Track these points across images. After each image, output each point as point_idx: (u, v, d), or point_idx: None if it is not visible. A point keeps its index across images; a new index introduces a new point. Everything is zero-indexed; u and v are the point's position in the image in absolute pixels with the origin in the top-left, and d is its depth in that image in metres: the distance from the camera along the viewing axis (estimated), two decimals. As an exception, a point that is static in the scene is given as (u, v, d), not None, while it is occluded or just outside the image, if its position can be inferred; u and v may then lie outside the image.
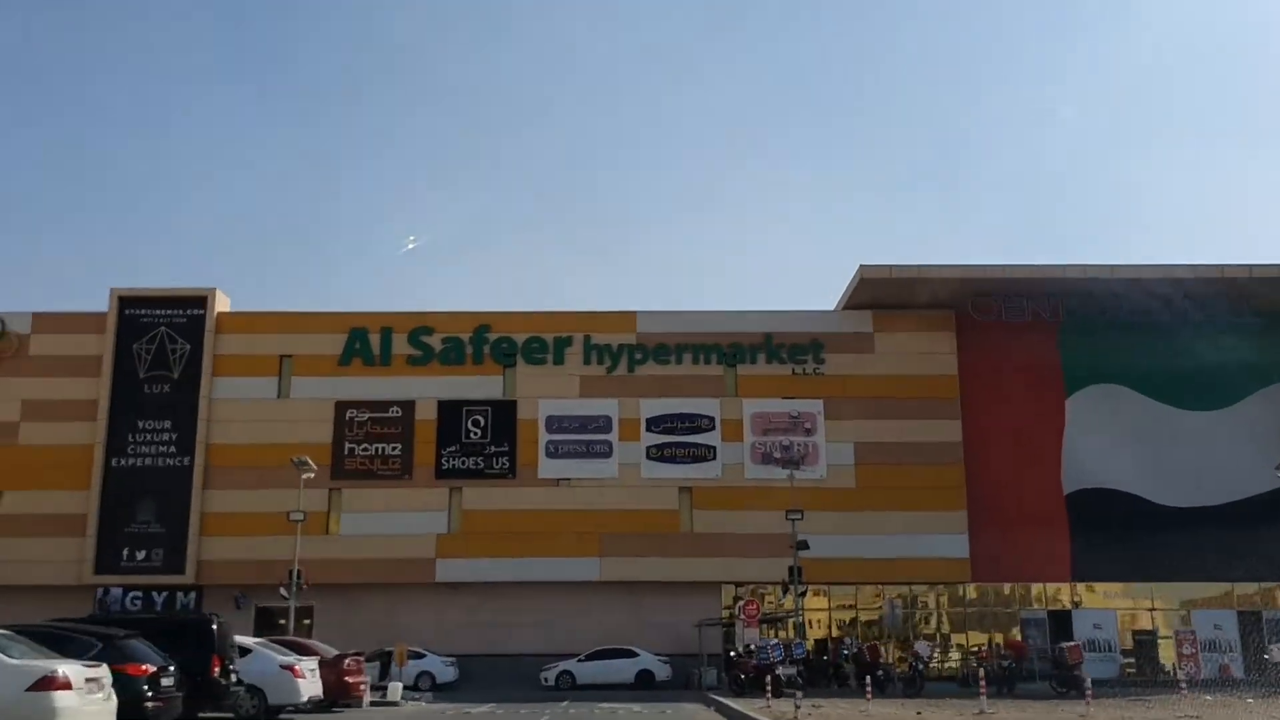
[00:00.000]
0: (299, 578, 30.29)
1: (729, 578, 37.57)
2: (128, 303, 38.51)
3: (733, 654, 32.01)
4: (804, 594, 30.34)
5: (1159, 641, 37.83)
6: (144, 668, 13.82)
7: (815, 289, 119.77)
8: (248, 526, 35.79)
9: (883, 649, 32.97)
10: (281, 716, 19.75)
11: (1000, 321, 39.16)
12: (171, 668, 14.49)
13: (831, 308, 40.39)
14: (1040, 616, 38.50)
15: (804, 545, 29.94)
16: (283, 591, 30.53)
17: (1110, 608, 38.73)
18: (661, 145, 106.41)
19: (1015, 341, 39.36)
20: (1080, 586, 38.83)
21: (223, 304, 39.24)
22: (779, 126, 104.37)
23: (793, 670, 26.74)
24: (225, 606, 35.99)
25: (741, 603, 32.05)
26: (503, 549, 36.83)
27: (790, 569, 30.84)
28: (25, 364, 37.93)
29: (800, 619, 30.25)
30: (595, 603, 37.14)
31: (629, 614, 36.96)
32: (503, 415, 38.32)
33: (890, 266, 37.43)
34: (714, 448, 38.23)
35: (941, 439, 38.20)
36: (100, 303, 38.64)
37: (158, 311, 38.54)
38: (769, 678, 24.77)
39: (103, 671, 11.86)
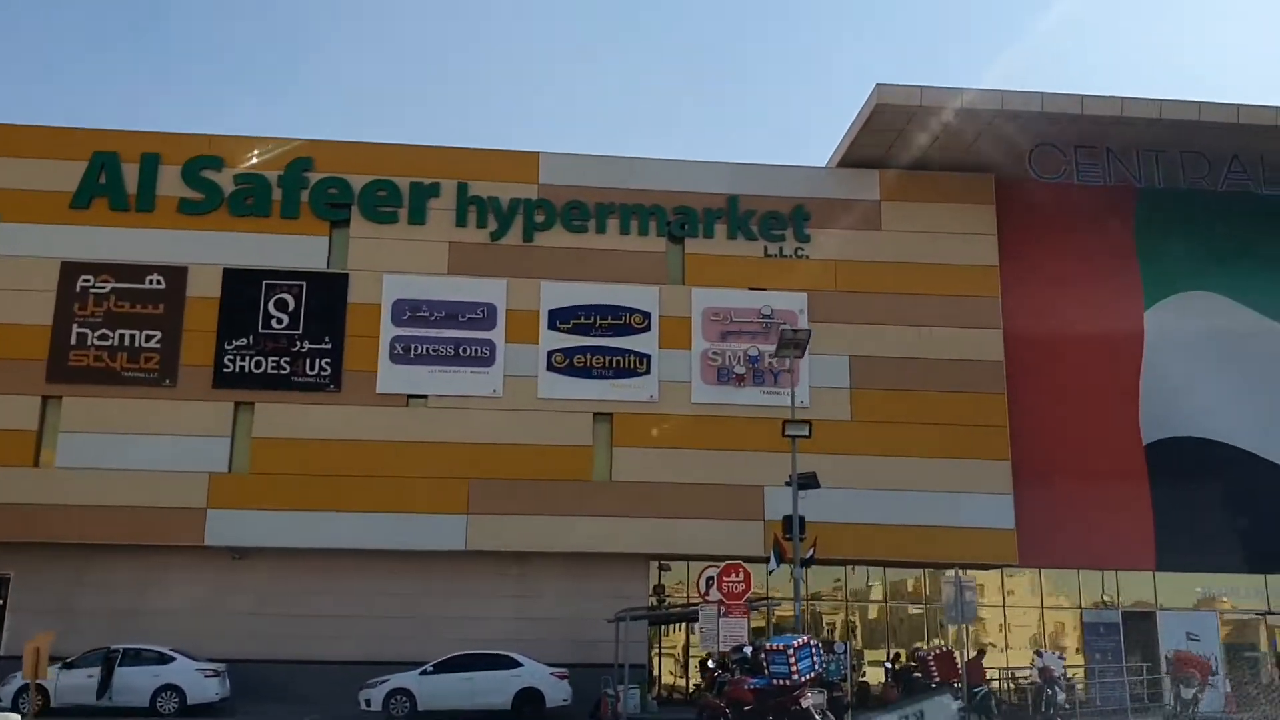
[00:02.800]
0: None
1: (662, 549, 25.07)
2: None
3: (711, 663, 19.09)
4: (810, 563, 17.56)
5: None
6: None
7: (799, 146, 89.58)
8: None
9: (959, 661, 20.53)
10: None
11: (1067, 184, 26.78)
12: None
13: (823, 163, 28.06)
14: (1112, 619, 26.60)
15: (812, 481, 17.19)
16: None
17: (1211, 609, 27.26)
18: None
19: (1084, 222, 27.38)
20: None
21: (-107, 109, 25.45)
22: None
23: (823, 698, 14.18)
24: None
25: (715, 573, 18.64)
26: (314, 499, 23.93)
27: (788, 519, 17.86)
28: None
29: (801, 608, 17.36)
30: (457, 585, 24.70)
31: (509, 602, 24.61)
32: (325, 295, 25.15)
33: (920, 88, 25.03)
34: (648, 357, 25.62)
35: (976, 356, 26.41)
36: None
37: None
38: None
39: None
